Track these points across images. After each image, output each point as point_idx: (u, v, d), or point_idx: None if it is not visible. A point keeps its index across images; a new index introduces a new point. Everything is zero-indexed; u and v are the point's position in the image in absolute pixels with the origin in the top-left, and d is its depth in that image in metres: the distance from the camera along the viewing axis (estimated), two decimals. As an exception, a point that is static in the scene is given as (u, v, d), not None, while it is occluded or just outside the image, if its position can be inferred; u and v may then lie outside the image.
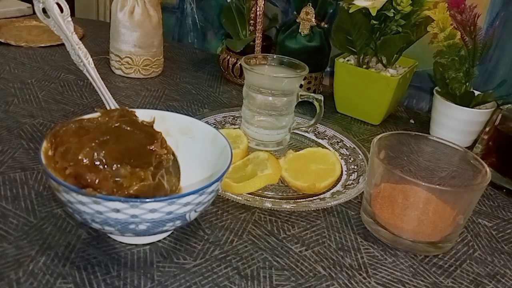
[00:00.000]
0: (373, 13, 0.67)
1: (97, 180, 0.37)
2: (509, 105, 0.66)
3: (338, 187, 0.57)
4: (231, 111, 0.72)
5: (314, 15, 0.78)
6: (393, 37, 0.70)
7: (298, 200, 0.54)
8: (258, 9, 0.81)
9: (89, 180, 0.37)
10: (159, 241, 0.46)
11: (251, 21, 0.86)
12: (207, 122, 0.59)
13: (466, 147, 0.62)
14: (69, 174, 0.38)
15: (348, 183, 0.58)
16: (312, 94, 0.64)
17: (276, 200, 0.54)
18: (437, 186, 0.49)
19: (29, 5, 1.14)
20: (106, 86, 0.55)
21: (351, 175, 0.60)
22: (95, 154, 0.38)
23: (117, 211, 0.37)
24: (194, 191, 0.39)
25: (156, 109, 0.73)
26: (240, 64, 0.76)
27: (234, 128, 0.66)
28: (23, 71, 0.81)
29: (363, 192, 0.54)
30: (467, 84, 0.69)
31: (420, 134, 0.55)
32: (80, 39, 0.54)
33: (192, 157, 0.50)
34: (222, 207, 0.52)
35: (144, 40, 0.82)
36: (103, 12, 1.24)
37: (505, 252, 0.51)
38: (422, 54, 0.80)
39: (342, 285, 0.44)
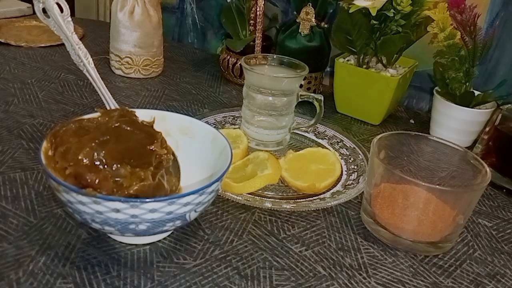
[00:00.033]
0: (373, 13, 0.67)
1: (97, 180, 0.37)
2: (509, 105, 0.66)
3: (338, 187, 0.57)
4: (231, 111, 0.72)
5: (314, 15, 0.78)
6: (393, 37, 0.70)
7: (298, 200, 0.54)
8: (258, 9, 0.81)
9: (89, 180, 0.37)
10: (159, 241, 0.46)
11: (251, 21, 0.86)
12: (207, 122, 0.59)
13: (466, 147, 0.61)
14: (69, 174, 0.38)
15: (348, 183, 0.58)
16: (312, 94, 0.64)
17: (276, 200, 0.54)
18: (437, 186, 0.49)
19: (29, 5, 1.14)
20: (106, 86, 0.55)
21: (351, 175, 0.60)
22: (95, 154, 0.38)
23: (117, 211, 0.37)
24: (194, 191, 0.39)
25: (156, 109, 0.73)
26: (240, 64, 0.76)
27: (234, 128, 0.66)
28: (23, 71, 0.81)
29: (363, 192, 0.54)
30: (467, 84, 0.69)
31: (420, 134, 0.55)
32: (80, 39, 0.54)
33: (192, 157, 0.50)
34: (222, 207, 0.52)
35: (144, 40, 0.82)
36: (103, 12, 1.24)
37: (505, 252, 0.51)
38: (422, 54, 0.80)
39: (342, 285, 0.44)
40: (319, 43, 0.80)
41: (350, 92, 0.77)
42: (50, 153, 0.40)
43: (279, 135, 0.65)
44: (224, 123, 0.69)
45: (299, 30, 0.79)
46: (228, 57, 0.86)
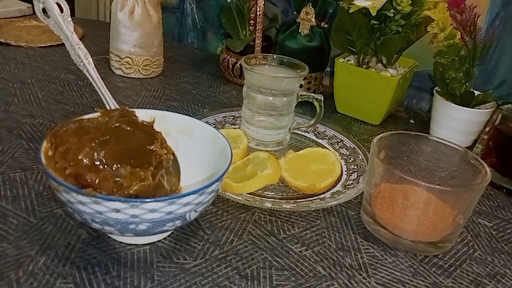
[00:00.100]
0: (373, 13, 0.67)
1: (97, 180, 0.37)
2: (509, 105, 0.66)
3: (338, 187, 0.57)
4: (231, 111, 0.72)
5: (314, 15, 0.78)
6: (393, 37, 0.70)
7: (298, 200, 0.54)
8: (258, 9, 0.81)
9: (89, 180, 0.37)
10: (159, 241, 0.46)
11: (251, 21, 0.86)
12: (207, 122, 0.59)
13: (466, 147, 0.61)
14: (69, 174, 0.38)
15: (348, 183, 0.58)
16: (312, 94, 0.64)
17: (276, 200, 0.54)
18: (437, 186, 0.49)
19: (29, 5, 1.14)
20: (106, 86, 0.55)
21: (351, 175, 0.60)
22: (95, 154, 0.38)
23: (117, 211, 0.37)
24: (194, 191, 0.39)
25: (156, 109, 0.73)
26: (240, 64, 0.76)
27: (234, 128, 0.66)
28: (23, 71, 0.81)
29: (363, 192, 0.54)
30: (467, 84, 0.69)
31: (420, 134, 0.55)
32: (80, 39, 0.54)
33: (192, 157, 0.50)
34: (222, 207, 0.52)
35: (144, 40, 0.82)
36: (103, 12, 1.24)
37: (505, 252, 0.51)
38: (422, 54, 0.80)
39: (342, 285, 0.44)
40: (319, 43, 0.80)
41: (350, 92, 0.77)
42: (50, 153, 0.40)
43: (279, 135, 0.65)
44: (224, 123, 0.69)
45: (299, 30, 0.79)
46: (228, 57, 0.86)
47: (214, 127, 0.53)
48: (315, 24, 0.79)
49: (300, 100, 0.64)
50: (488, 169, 0.48)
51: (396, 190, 0.48)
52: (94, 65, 0.54)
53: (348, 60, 0.78)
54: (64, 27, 0.52)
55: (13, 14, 1.11)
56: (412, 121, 0.81)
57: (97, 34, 1.03)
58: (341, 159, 0.63)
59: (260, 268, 0.44)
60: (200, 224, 0.49)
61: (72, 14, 0.66)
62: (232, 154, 0.46)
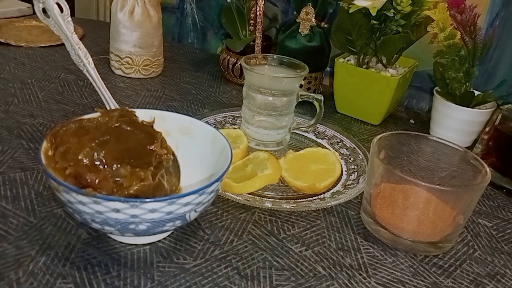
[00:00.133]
0: (373, 13, 0.67)
1: (97, 180, 0.37)
2: (509, 105, 0.66)
3: (338, 187, 0.57)
4: (231, 111, 0.72)
5: (314, 15, 0.78)
6: (393, 37, 0.70)
7: (298, 200, 0.54)
8: (258, 9, 0.81)
9: (89, 180, 0.37)
10: (159, 241, 0.46)
11: (251, 21, 0.86)
12: (207, 122, 0.59)
13: (466, 147, 0.62)
14: (69, 174, 0.38)
15: (348, 183, 0.58)
16: (312, 94, 0.64)
17: (276, 200, 0.54)
18: (437, 186, 0.49)
19: (29, 5, 1.14)
20: (106, 86, 0.55)
21: (351, 175, 0.60)
22: (95, 154, 0.38)
23: (117, 211, 0.37)
24: (194, 191, 0.39)
25: (156, 109, 0.73)
26: (240, 64, 0.76)
27: (234, 128, 0.66)
28: (23, 71, 0.81)
29: (363, 192, 0.54)
30: (467, 84, 0.69)
31: (420, 134, 0.55)
32: (80, 39, 0.54)
33: (192, 157, 0.50)
34: (222, 207, 0.52)
35: (144, 40, 0.82)
36: (103, 12, 1.24)
37: (505, 252, 0.51)
38: (422, 54, 0.80)
39: (342, 285, 0.44)
40: (319, 43, 0.80)
41: (350, 92, 0.77)
42: (50, 153, 0.40)
43: (279, 135, 0.65)
44: (224, 123, 0.69)
45: (299, 30, 0.79)
46: (228, 57, 0.86)
47: (214, 127, 0.53)
48: (315, 24, 0.79)
49: (300, 100, 0.64)
50: (488, 169, 0.48)
51: (396, 190, 0.48)
52: (94, 65, 0.54)
53: (348, 60, 0.78)
54: (64, 27, 0.52)
55: (13, 14, 1.11)
56: (412, 121, 0.81)
57: (97, 34, 1.03)
58: (341, 159, 0.63)
59: (260, 268, 0.44)
60: (200, 224, 0.49)
61: (72, 14, 0.66)
62: (232, 154, 0.46)
